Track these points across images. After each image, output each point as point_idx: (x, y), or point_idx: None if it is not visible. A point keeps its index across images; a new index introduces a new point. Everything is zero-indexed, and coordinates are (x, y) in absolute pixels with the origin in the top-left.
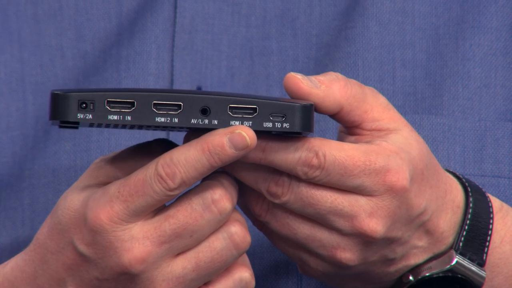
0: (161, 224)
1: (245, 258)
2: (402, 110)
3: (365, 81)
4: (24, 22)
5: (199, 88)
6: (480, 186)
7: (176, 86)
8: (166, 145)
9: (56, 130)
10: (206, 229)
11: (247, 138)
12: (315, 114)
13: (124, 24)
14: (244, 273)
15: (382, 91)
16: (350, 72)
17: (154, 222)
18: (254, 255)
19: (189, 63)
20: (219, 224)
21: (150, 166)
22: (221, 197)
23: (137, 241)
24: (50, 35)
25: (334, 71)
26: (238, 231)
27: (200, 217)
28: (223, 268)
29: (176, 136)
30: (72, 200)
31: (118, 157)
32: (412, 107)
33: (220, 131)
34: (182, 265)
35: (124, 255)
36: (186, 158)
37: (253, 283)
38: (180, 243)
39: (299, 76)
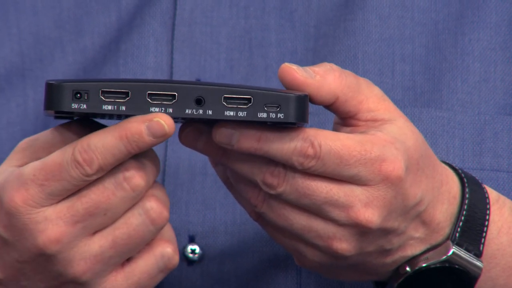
0: (74, 203)
1: (170, 233)
2: (401, 103)
3: (365, 74)
4: (23, 13)
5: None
6: (477, 178)
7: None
8: (87, 126)
9: (55, 125)
10: (120, 207)
11: (165, 126)
12: (314, 107)
13: (123, 19)
14: (166, 248)
15: (382, 85)
16: (350, 65)
17: (67, 202)
18: (253, 248)
19: (188, 55)
20: (134, 201)
21: (67, 150)
22: (133, 175)
23: (50, 222)
24: (50, 28)
25: (334, 63)
26: (154, 207)
27: (113, 195)
28: (142, 244)
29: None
30: None
31: (40, 138)
32: (411, 101)
33: (138, 118)
34: (99, 243)
35: (39, 237)
36: (104, 145)
37: (176, 258)
38: (95, 222)
39: (294, 66)
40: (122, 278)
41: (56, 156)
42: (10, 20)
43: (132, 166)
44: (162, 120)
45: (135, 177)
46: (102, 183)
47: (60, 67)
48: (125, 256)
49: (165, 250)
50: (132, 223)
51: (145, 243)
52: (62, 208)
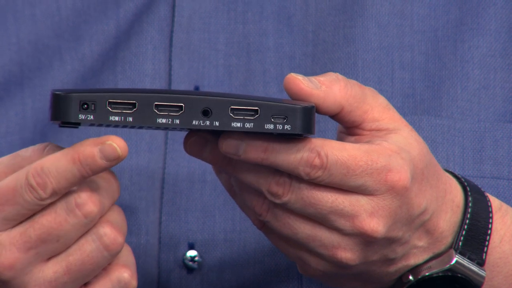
0: (26, 230)
1: (128, 258)
2: (401, 111)
3: (364, 82)
4: (22, 22)
5: (196, 88)
6: (479, 186)
7: (174, 86)
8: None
9: (54, 134)
10: (72, 233)
11: (118, 149)
12: (315, 115)
13: (122, 26)
14: (123, 273)
15: (381, 92)
16: (349, 72)
17: (20, 228)
18: (254, 259)
19: (186, 62)
20: (87, 228)
21: (20, 174)
22: (85, 201)
23: (4, 248)
24: (48, 36)
25: (334, 71)
26: (108, 233)
27: (65, 222)
28: (97, 270)
29: (174, 134)
30: None
31: (3, 162)
32: (411, 109)
33: (91, 141)
34: (53, 269)
35: None
36: (57, 168)
37: (133, 283)
38: (48, 248)
39: (299, 77)
40: None
41: (9, 181)
42: (9, 29)
43: (84, 192)
44: (114, 143)
45: (88, 204)
46: (54, 210)
47: (58, 76)
48: (80, 282)
49: (122, 275)
50: (85, 250)
51: (100, 269)
52: (16, 234)
